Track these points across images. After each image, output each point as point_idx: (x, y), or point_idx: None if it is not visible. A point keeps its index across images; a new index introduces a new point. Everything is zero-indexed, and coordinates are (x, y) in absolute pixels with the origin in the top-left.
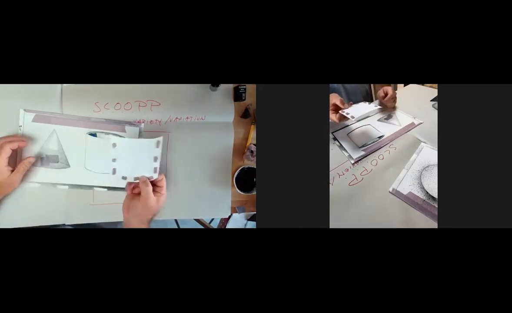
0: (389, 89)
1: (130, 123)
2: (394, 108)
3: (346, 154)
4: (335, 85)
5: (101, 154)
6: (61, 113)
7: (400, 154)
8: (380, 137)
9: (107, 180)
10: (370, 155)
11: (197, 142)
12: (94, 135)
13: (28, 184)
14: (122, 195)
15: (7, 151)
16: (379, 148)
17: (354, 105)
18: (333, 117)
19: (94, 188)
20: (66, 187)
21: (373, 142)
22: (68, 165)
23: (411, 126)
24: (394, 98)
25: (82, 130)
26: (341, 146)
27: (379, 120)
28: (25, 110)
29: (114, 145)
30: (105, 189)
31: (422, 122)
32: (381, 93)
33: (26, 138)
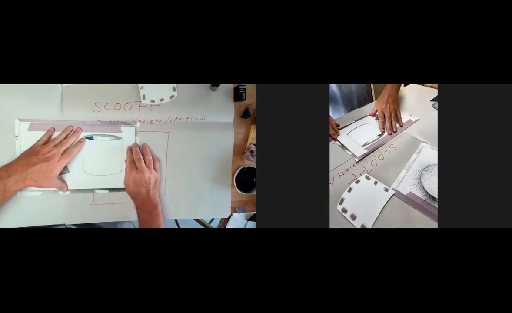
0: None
1: (126, 123)
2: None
3: (349, 153)
4: (334, 89)
5: (99, 156)
6: (56, 119)
7: (400, 154)
8: (380, 135)
9: (107, 182)
10: (370, 154)
11: (197, 142)
12: (91, 138)
13: (30, 193)
14: (122, 195)
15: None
16: (380, 146)
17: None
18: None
19: (96, 190)
20: (68, 192)
21: (374, 140)
22: (67, 171)
23: (409, 123)
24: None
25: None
26: (342, 146)
27: (377, 118)
28: (20, 119)
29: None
30: (107, 191)
31: (419, 119)
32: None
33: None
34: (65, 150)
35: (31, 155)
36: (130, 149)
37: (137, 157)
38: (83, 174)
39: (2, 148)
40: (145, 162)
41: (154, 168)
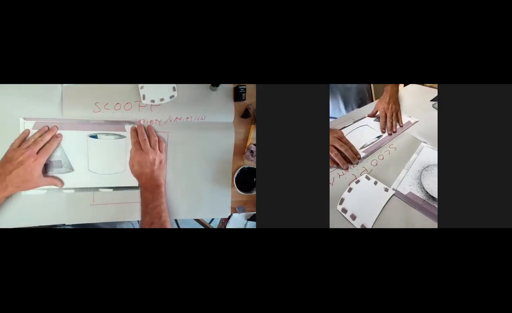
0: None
1: (130, 122)
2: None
3: None
4: (334, 89)
5: (103, 155)
6: (60, 118)
7: (400, 154)
8: (378, 137)
9: (111, 180)
10: (371, 155)
11: (197, 142)
12: (95, 137)
13: (35, 191)
14: (122, 195)
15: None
16: (379, 148)
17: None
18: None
19: (100, 189)
20: (72, 191)
21: (372, 142)
22: (72, 169)
23: (408, 124)
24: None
25: (83, 133)
26: None
27: (375, 120)
28: (24, 118)
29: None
30: (111, 190)
31: (418, 120)
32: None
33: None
34: (41, 148)
35: (6, 163)
36: (135, 130)
37: (142, 138)
38: (87, 173)
39: (5, 147)
40: (150, 143)
41: (159, 149)
